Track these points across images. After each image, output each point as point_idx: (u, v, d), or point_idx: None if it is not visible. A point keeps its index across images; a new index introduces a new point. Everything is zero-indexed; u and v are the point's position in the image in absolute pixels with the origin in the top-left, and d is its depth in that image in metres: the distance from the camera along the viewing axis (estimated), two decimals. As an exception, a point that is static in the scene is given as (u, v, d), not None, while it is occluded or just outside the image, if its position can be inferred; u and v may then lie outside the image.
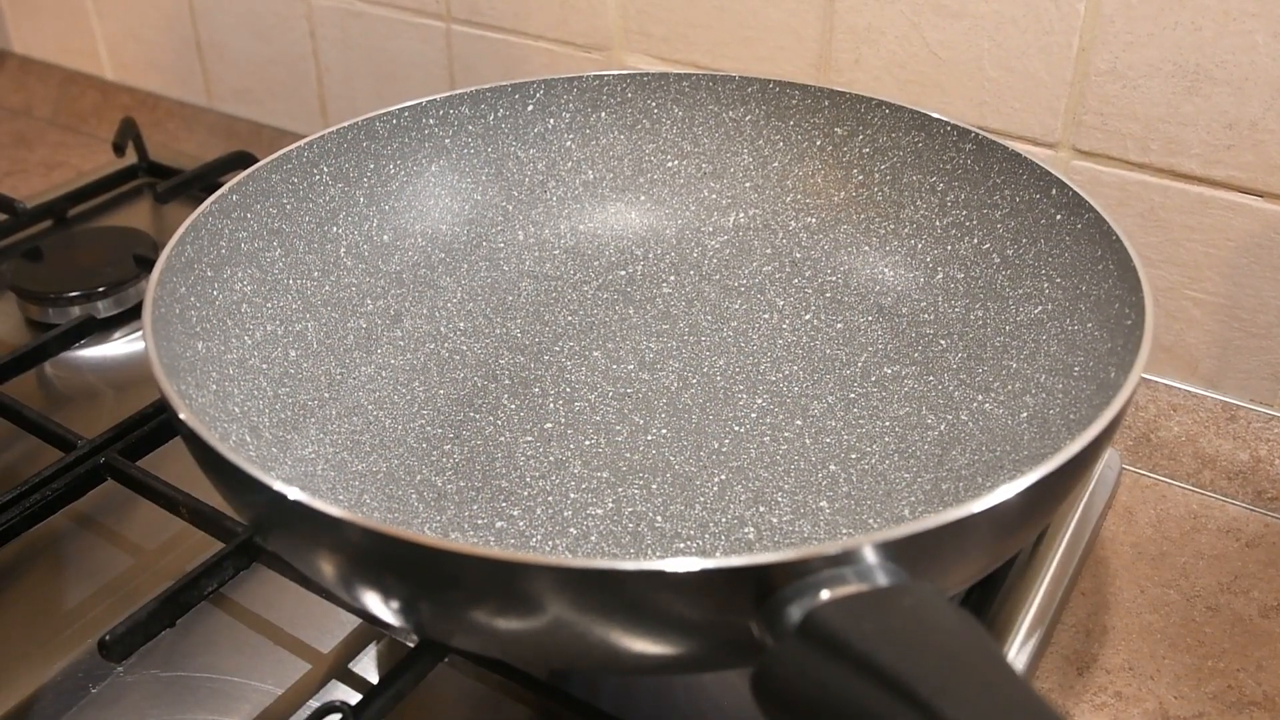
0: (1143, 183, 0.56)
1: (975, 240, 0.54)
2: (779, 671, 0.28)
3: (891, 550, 0.31)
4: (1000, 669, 0.26)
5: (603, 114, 0.61)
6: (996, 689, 0.25)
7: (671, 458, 0.49)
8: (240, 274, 0.50)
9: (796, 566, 0.30)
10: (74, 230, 0.76)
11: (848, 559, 0.30)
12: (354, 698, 0.41)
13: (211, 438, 0.36)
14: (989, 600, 0.47)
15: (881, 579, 0.30)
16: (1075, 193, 0.49)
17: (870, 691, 0.25)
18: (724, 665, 0.34)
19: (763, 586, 0.30)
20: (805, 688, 0.27)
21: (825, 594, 0.29)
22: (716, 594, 0.31)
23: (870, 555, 0.30)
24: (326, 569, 0.37)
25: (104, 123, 0.95)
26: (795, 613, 0.29)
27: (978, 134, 0.54)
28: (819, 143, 0.59)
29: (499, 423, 0.51)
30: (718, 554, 0.44)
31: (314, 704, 0.44)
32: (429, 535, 0.44)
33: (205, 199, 0.50)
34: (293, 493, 0.34)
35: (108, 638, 0.41)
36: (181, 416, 0.37)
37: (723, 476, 0.48)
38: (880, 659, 0.26)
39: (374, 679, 0.45)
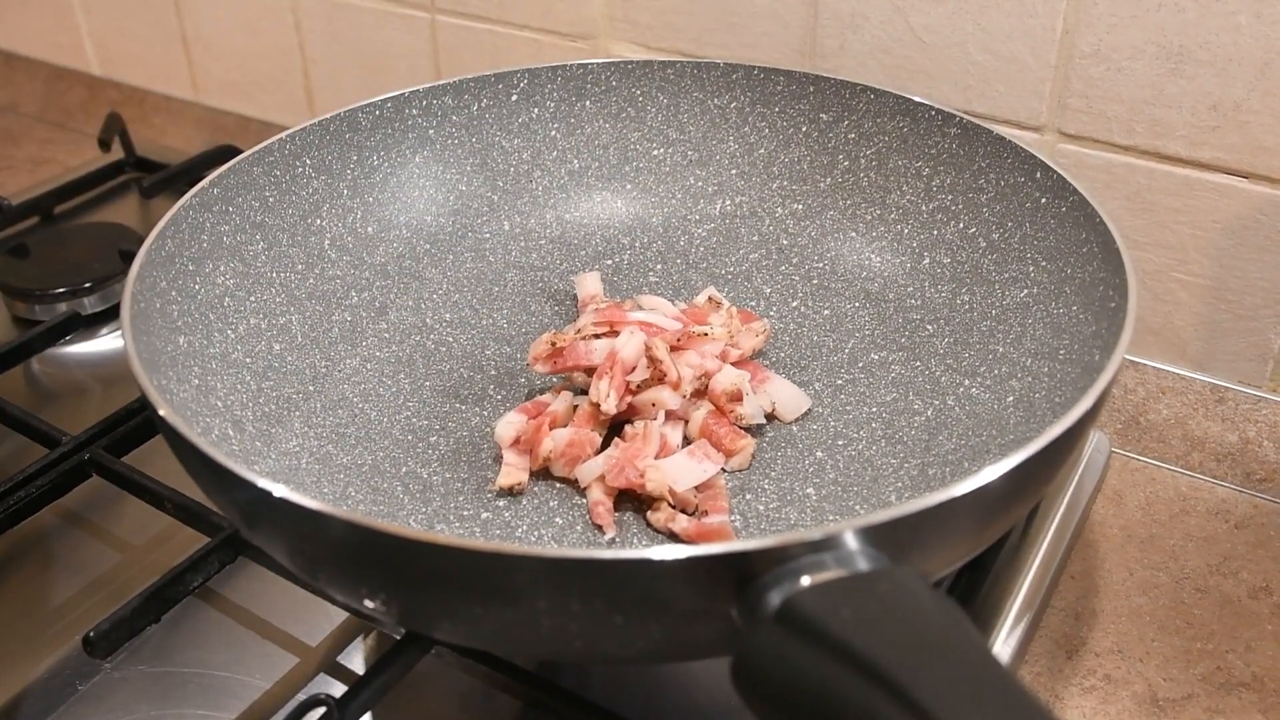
0: (1128, 165, 0.56)
1: (961, 225, 0.54)
2: (757, 658, 0.28)
3: (872, 535, 0.30)
4: (977, 653, 0.26)
5: (588, 103, 0.61)
6: (972, 673, 0.25)
7: (658, 446, 0.49)
8: (222, 268, 0.50)
9: (776, 553, 0.30)
10: (61, 226, 0.76)
11: (828, 545, 0.30)
12: (342, 690, 0.41)
13: (191, 433, 0.35)
14: (978, 584, 0.47)
15: (862, 564, 0.30)
16: (1060, 176, 0.49)
17: (847, 677, 0.25)
18: (707, 653, 0.34)
19: (743, 573, 0.30)
20: (783, 674, 0.27)
21: (805, 580, 0.29)
22: (698, 581, 0.31)
23: (851, 541, 0.30)
24: (311, 563, 0.37)
25: (91, 118, 0.95)
26: (775, 599, 0.29)
27: (963, 118, 0.54)
28: (804, 129, 0.59)
29: (485, 414, 0.51)
30: (704, 542, 0.44)
31: (302, 697, 0.44)
32: (413, 528, 0.44)
33: (190, 193, 0.49)
34: (275, 489, 0.33)
35: (92, 634, 0.41)
36: (161, 412, 0.37)
37: (709, 465, 0.48)
38: (856, 644, 0.26)
39: (362, 672, 0.45)
